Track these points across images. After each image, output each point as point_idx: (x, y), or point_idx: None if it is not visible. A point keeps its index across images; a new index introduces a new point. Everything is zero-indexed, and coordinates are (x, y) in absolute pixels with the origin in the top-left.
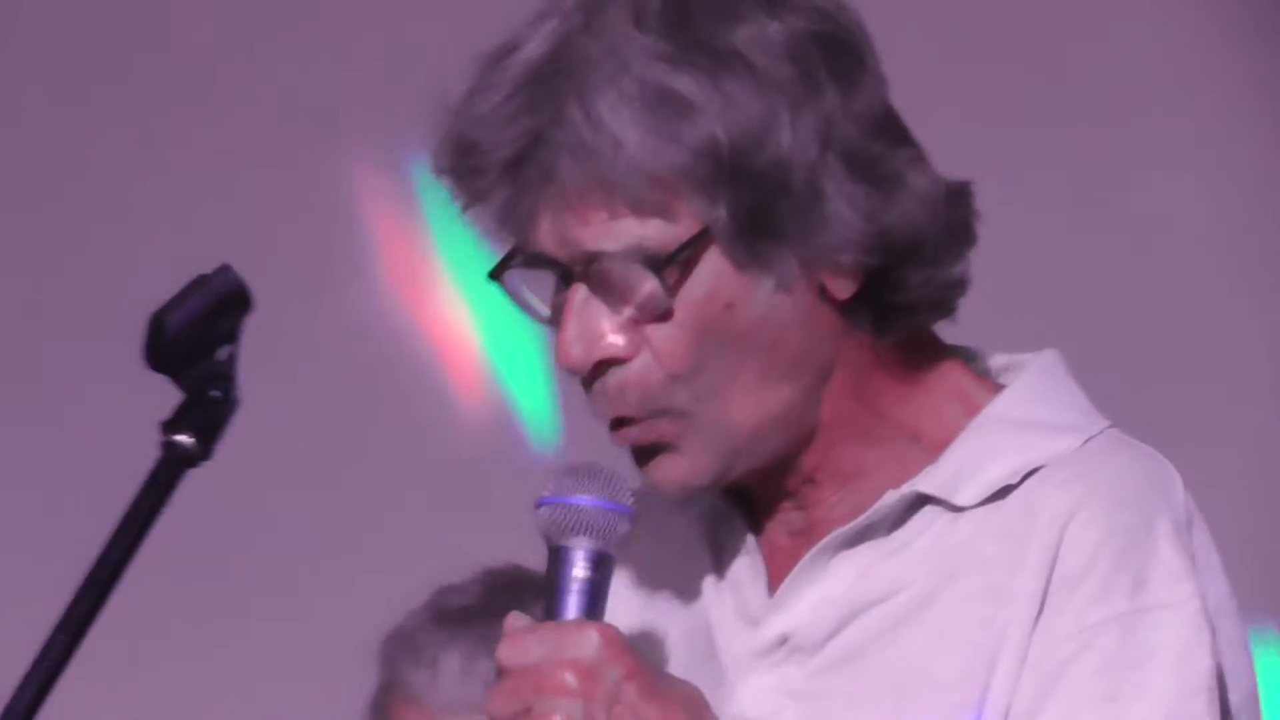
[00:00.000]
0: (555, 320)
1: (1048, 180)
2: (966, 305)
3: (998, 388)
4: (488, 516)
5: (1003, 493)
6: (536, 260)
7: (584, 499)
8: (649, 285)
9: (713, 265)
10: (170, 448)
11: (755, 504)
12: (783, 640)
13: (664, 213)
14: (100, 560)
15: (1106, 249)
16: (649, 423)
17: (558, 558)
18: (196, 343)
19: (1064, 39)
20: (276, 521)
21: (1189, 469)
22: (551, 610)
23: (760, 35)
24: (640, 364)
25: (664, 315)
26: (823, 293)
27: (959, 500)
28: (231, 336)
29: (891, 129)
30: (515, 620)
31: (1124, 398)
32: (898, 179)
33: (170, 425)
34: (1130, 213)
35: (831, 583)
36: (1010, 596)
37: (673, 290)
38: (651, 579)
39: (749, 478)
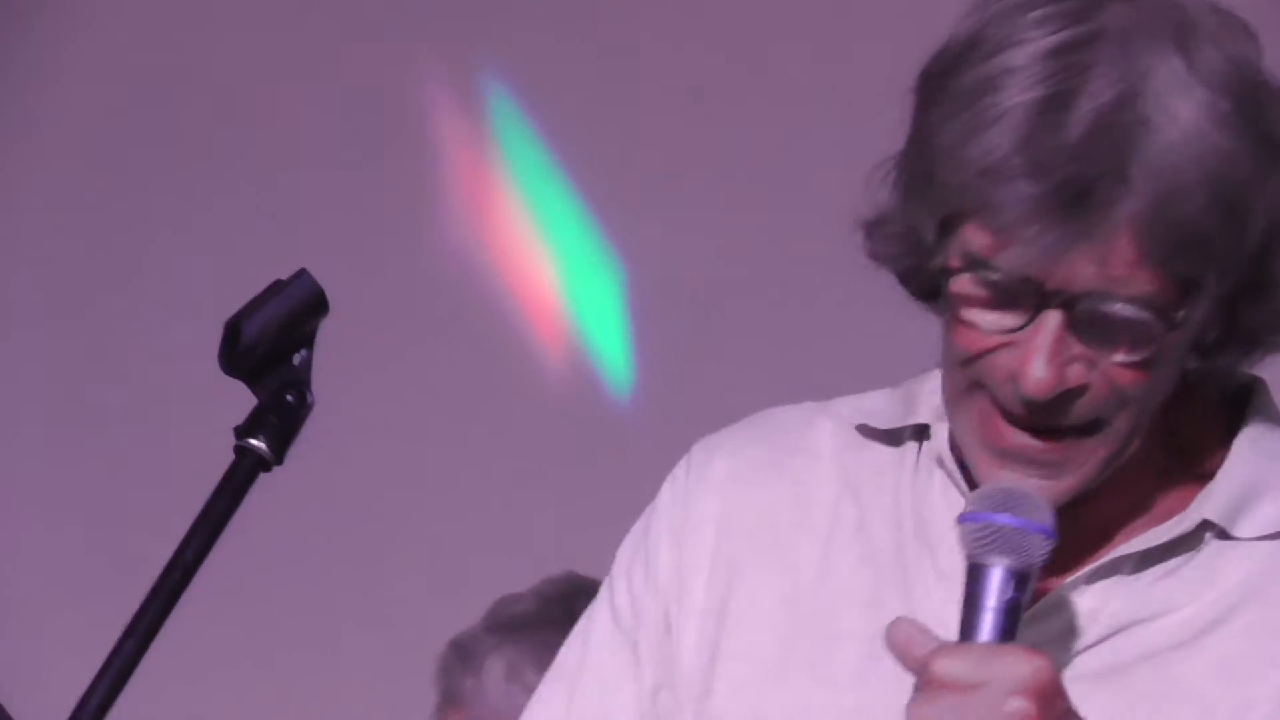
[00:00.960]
0: (978, 327)
1: None
2: None
3: (1232, 408)
4: (563, 462)
5: None
6: (1012, 276)
7: (1006, 518)
8: (1151, 335)
9: (1189, 328)
10: (244, 453)
11: None
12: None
13: (1187, 263)
14: (172, 563)
15: None
16: (1068, 442)
17: (976, 575)
18: (272, 348)
19: None
20: (352, 468)
21: None
22: (969, 626)
23: (1261, 89)
24: (1096, 391)
25: (1149, 363)
26: None
27: (1239, 531)
28: (307, 341)
29: None
30: (914, 628)
31: None
32: None
33: (244, 430)
34: None
35: (1096, 599)
36: None
37: (1170, 340)
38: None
39: None
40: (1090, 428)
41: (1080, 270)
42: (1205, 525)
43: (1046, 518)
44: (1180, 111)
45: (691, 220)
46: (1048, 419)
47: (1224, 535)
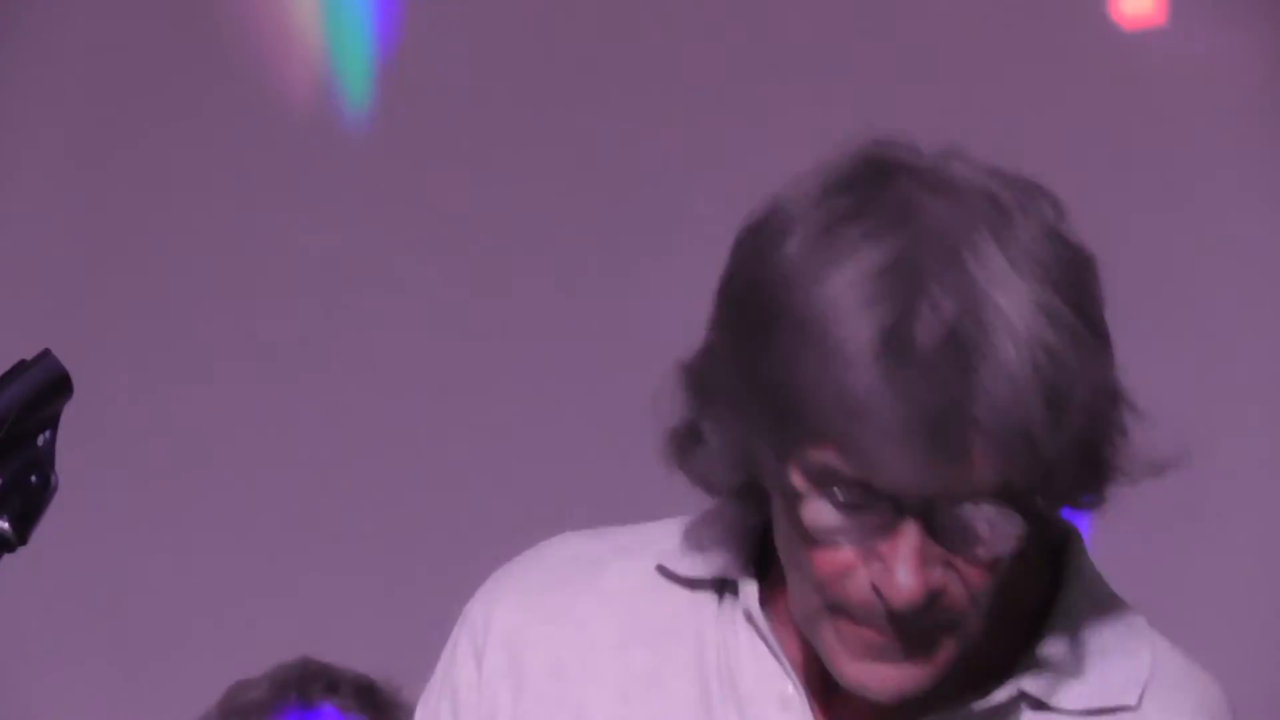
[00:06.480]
0: (831, 543)
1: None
2: None
3: (1047, 564)
4: (294, 179)
5: (1114, 709)
6: (869, 492)
7: None
8: (1010, 529)
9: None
10: None
11: (802, 661)
12: None
13: (1035, 459)
14: None
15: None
16: (920, 633)
17: None
18: (15, 430)
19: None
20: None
21: None
22: None
23: (1069, 266)
24: (954, 593)
25: (1001, 559)
26: None
27: (1062, 704)
28: (51, 423)
29: None
30: None
31: None
32: (1122, 426)
33: None
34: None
35: None
36: None
37: (1026, 533)
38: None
39: None
40: (945, 629)
41: (936, 481)
42: (1021, 696)
43: None
44: (1013, 313)
45: None
46: (910, 626)
47: (1041, 705)
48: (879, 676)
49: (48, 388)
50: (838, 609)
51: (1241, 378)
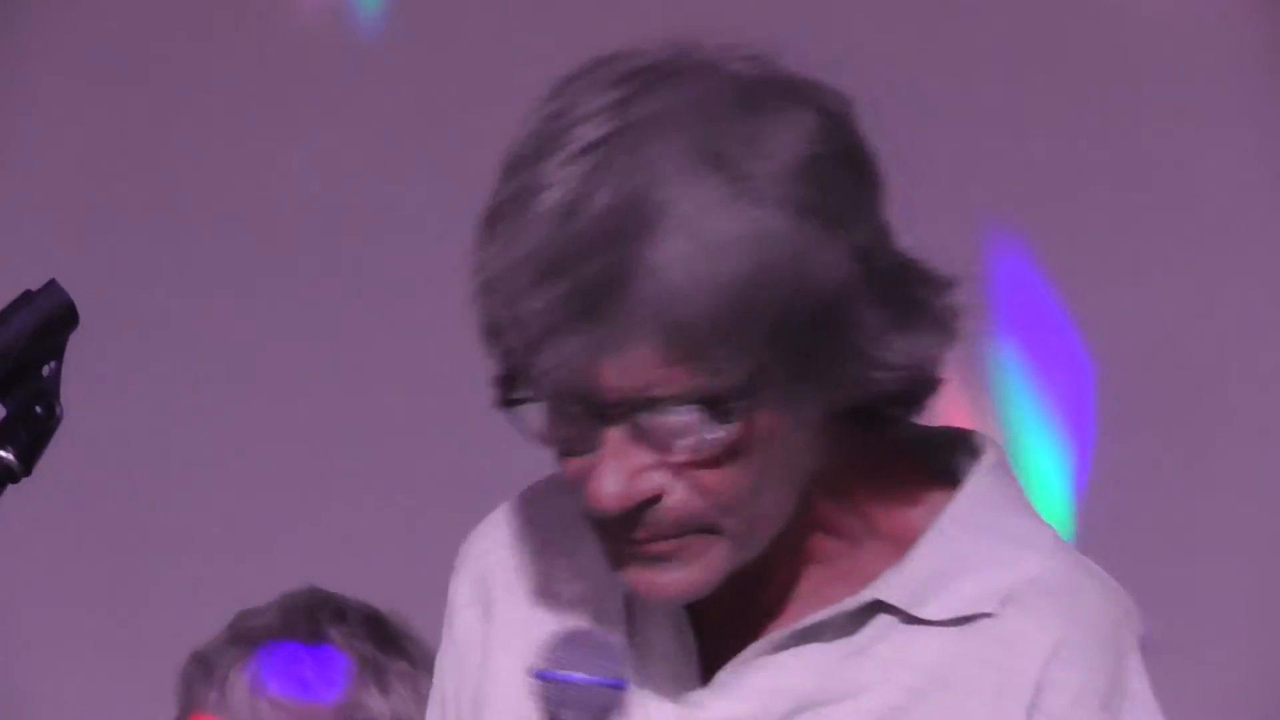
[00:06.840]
0: (569, 452)
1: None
2: None
3: (947, 484)
4: (306, 85)
5: (976, 616)
6: (563, 397)
7: (579, 676)
8: (707, 431)
9: (759, 404)
10: None
11: None
12: None
13: (719, 357)
14: None
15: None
16: (673, 541)
17: None
18: (21, 360)
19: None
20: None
21: None
22: None
23: (793, 161)
24: (679, 497)
25: (719, 459)
26: None
27: (923, 613)
28: (56, 353)
29: (898, 246)
30: None
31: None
32: (923, 307)
33: None
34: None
35: (780, 674)
36: None
37: (729, 433)
38: (557, 618)
39: None
40: (700, 532)
41: (617, 379)
42: (881, 606)
43: (616, 670)
44: (684, 205)
45: None
46: (642, 533)
47: (911, 619)
48: (646, 581)
49: (53, 318)
50: (589, 518)
51: (1253, 325)
